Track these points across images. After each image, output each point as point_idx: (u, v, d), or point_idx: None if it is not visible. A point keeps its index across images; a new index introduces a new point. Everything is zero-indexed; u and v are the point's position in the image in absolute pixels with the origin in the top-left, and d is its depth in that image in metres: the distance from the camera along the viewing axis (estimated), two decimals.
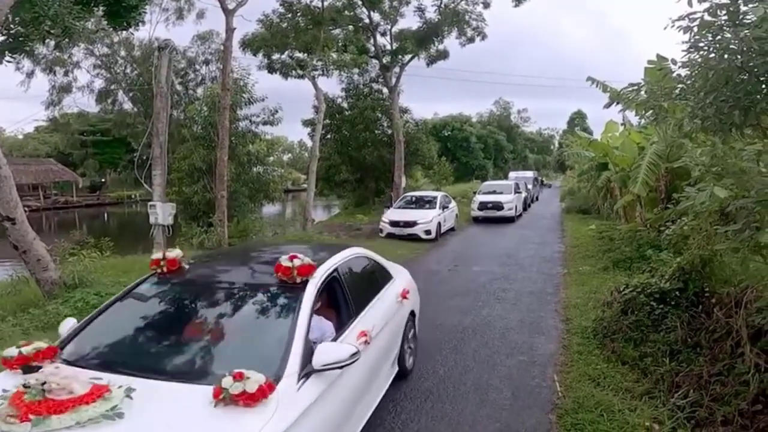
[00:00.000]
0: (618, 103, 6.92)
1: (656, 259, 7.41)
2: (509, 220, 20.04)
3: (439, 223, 15.75)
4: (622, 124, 14.24)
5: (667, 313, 5.63)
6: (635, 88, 5.69)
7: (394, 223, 15.55)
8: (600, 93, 9.46)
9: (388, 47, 23.93)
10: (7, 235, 7.25)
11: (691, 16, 3.77)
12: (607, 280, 8.59)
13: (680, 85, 4.58)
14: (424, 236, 15.00)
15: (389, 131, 26.28)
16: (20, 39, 8.40)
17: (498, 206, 20.10)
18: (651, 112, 6.04)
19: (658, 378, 4.79)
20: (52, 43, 11.03)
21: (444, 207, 16.68)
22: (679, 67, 4.53)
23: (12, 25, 8.30)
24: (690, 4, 3.75)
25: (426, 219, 15.31)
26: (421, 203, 16.98)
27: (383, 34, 23.88)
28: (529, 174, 36.98)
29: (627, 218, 13.27)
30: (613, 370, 5.15)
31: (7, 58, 8.67)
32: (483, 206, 20.47)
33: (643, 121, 10.83)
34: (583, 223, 17.13)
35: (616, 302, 6.31)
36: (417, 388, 4.94)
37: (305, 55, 20.72)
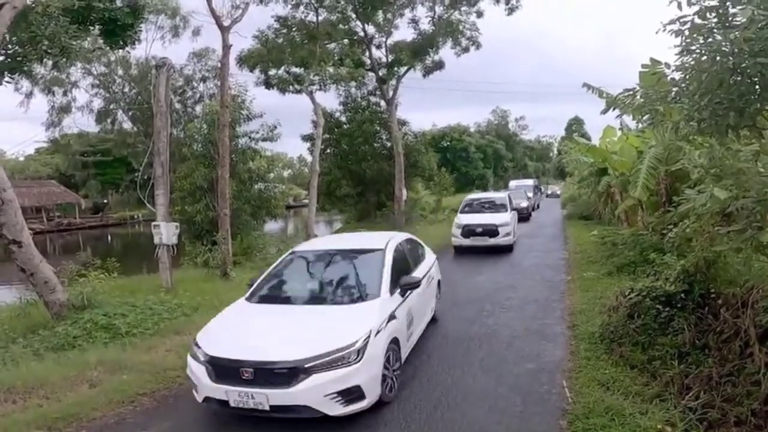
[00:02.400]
0: (615, 109, 6.99)
1: (660, 262, 7.41)
2: (506, 249, 14.45)
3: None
4: (619, 129, 14.33)
5: (673, 315, 5.64)
6: (631, 93, 5.76)
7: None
8: (597, 98, 9.55)
9: (384, 60, 24.17)
10: (14, 258, 7.29)
11: (681, 20, 3.83)
12: (612, 285, 8.58)
13: (675, 89, 4.64)
14: None
15: (388, 144, 26.43)
16: (18, 59, 8.53)
17: (491, 231, 14.32)
18: (648, 116, 6.12)
19: (667, 381, 4.78)
20: (50, 62, 11.13)
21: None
22: (672, 71, 4.59)
23: (9, 45, 8.42)
24: (680, 7, 3.82)
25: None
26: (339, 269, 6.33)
27: (378, 47, 24.13)
28: (530, 182, 36.34)
29: (629, 223, 13.28)
30: (622, 374, 5.15)
31: (6, 78, 8.79)
32: (469, 232, 14.47)
33: (640, 125, 10.92)
34: (586, 229, 17.12)
35: (622, 307, 6.31)
36: (426, 396, 4.94)
37: (302, 69, 20.92)
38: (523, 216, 22.70)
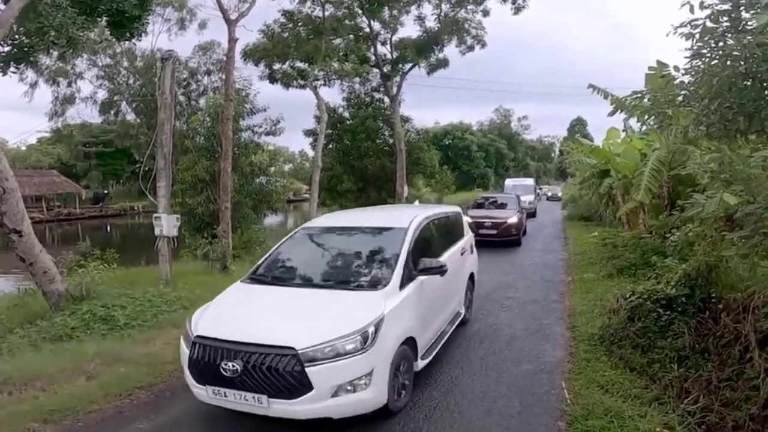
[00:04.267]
0: (621, 111, 6.96)
1: (661, 265, 7.39)
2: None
3: None
4: (623, 131, 14.29)
5: (674, 319, 5.64)
6: (638, 95, 5.73)
7: None
8: (602, 99, 9.51)
9: (389, 56, 24.17)
10: (14, 247, 7.27)
11: (693, 23, 3.81)
12: (612, 287, 8.56)
13: (683, 92, 4.62)
14: None
15: (391, 140, 26.40)
16: (25, 49, 8.47)
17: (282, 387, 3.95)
18: (654, 119, 6.08)
19: (666, 384, 4.78)
20: (56, 53, 11.06)
21: None
22: (682, 74, 4.56)
23: (17, 36, 8.37)
24: (692, 10, 3.79)
25: None
26: None
27: (383, 43, 24.15)
28: (529, 181, 30.91)
29: (630, 225, 13.26)
30: (622, 376, 5.14)
31: (12, 68, 8.74)
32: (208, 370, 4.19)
33: (644, 127, 10.92)
34: (586, 231, 17.09)
35: (622, 309, 6.30)
36: (425, 397, 4.93)
37: (306, 64, 20.89)
38: (512, 239, 14.95)
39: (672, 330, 5.53)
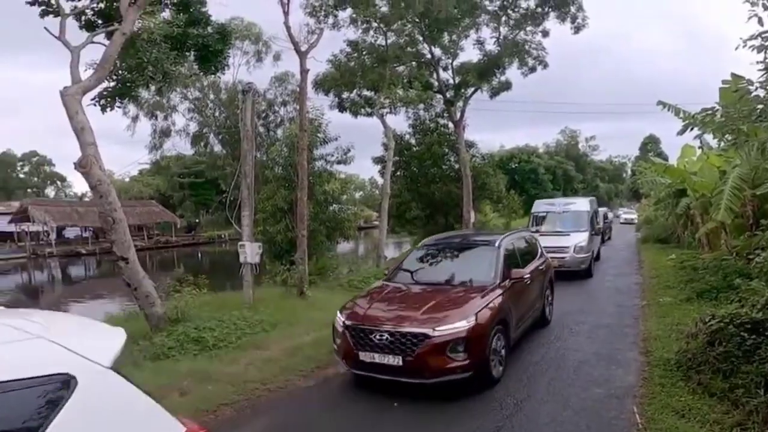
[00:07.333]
0: (692, 129, 6.77)
1: (746, 288, 7.03)
2: None
3: None
4: (699, 148, 13.64)
5: (760, 343, 5.39)
6: (710, 112, 5.62)
7: None
8: (674, 116, 9.23)
9: (451, 81, 24.43)
10: (121, 273, 8.12)
11: (763, 35, 3.79)
12: (691, 311, 8.19)
13: (760, 106, 4.53)
14: None
15: (456, 166, 26.43)
16: (127, 84, 9.59)
17: None
18: (730, 135, 5.92)
19: (751, 410, 4.57)
20: (153, 87, 12.25)
21: None
22: (756, 88, 4.49)
23: (120, 71, 9.49)
24: (760, 22, 3.78)
25: None
26: None
27: (445, 69, 24.44)
28: (580, 205, 16.25)
29: (711, 246, 12.54)
30: (699, 401, 4.96)
31: (117, 103, 9.89)
32: None
33: (722, 144, 10.45)
34: (662, 253, 16.23)
35: (702, 333, 6.07)
36: (489, 420, 5.00)
37: (373, 93, 21.61)
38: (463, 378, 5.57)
39: (758, 354, 5.28)
